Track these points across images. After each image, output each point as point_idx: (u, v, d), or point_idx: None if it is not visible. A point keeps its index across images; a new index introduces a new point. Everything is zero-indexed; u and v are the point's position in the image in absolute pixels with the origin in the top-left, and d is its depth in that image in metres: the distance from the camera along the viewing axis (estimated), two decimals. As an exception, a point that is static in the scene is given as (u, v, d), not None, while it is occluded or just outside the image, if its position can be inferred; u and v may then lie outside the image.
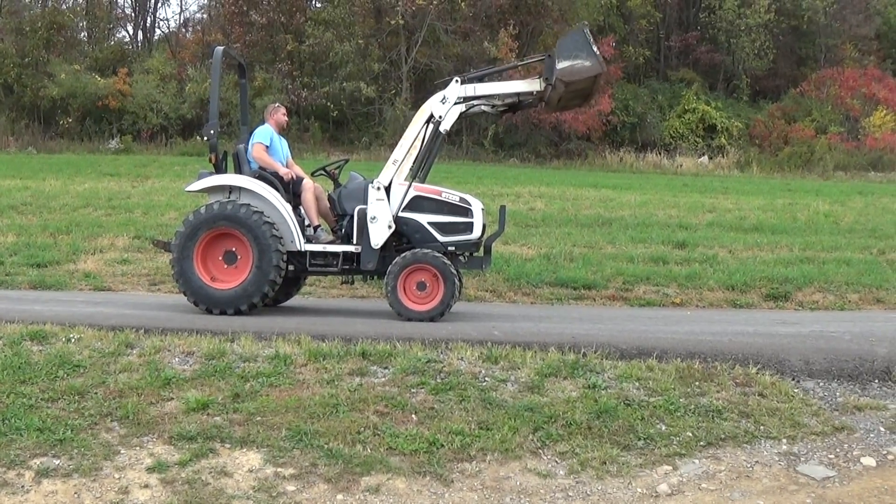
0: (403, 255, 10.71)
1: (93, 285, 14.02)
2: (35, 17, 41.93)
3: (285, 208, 11.01)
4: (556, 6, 41.69)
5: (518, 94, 11.08)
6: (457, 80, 10.95)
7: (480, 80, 11.15)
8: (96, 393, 8.01)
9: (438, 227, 10.97)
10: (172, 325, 9.76)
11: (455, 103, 10.94)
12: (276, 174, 11.31)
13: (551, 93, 10.85)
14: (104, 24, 48.91)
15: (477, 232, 11.02)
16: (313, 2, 45.27)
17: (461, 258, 11.24)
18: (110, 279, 14.38)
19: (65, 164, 29.75)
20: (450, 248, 10.95)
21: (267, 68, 40.76)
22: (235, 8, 41.72)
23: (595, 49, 10.57)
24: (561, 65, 10.48)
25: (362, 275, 11.43)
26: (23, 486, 6.75)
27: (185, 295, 10.98)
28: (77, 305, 11.59)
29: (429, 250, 10.73)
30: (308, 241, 11.10)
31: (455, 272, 10.68)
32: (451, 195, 11.09)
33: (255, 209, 10.78)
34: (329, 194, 11.58)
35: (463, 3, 40.14)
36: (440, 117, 10.92)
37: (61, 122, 39.74)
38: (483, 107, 11.19)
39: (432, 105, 11.01)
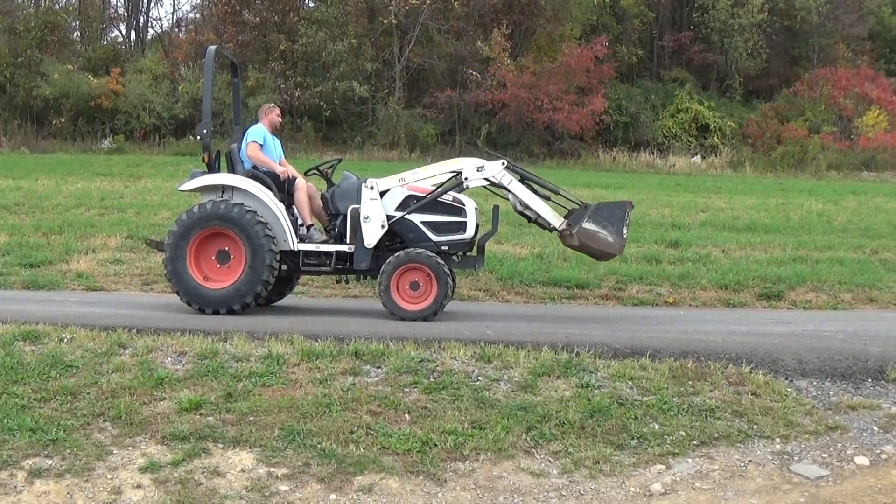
0: (397, 254, 10.71)
1: (85, 285, 13.99)
2: (28, 17, 41.86)
3: (278, 207, 11.00)
4: (550, 6, 41.63)
5: (539, 213, 11.06)
6: (503, 163, 11.01)
7: (522, 178, 11.16)
8: (89, 393, 8.00)
9: (432, 226, 10.99)
10: (165, 324, 9.75)
11: (486, 178, 11.02)
12: (270, 173, 11.31)
13: (567, 236, 10.95)
14: (97, 24, 48.77)
15: (470, 231, 11.03)
16: (306, 1, 45.24)
17: (454, 258, 11.25)
18: (103, 279, 14.36)
19: (57, 163, 29.68)
20: (443, 248, 10.96)
21: (260, 68, 40.71)
22: (228, 7, 41.69)
23: (625, 232, 10.61)
24: (587, 224, 10.55)
25: (355, 274, 11.43)
26: (15, 487, 6.73)
27: (178, 294, 10.97)
28: (69, 305, 11.57)
29: (422, 250, 10.73)
30: (301, 240, 11.09)
31: (448, 272, 10.68)
32: (445, 194, 11.10)
33: (249, 209, 10.77)
34: (322, 193, 11.58)
35: (456, 3, 40.10)
36: (467, 178, 11.01)
37: (54, 122, 39.68)
38: (509, 196, 11.16)
39: (467, 165, 11.10)
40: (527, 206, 11.05)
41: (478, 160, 11.12)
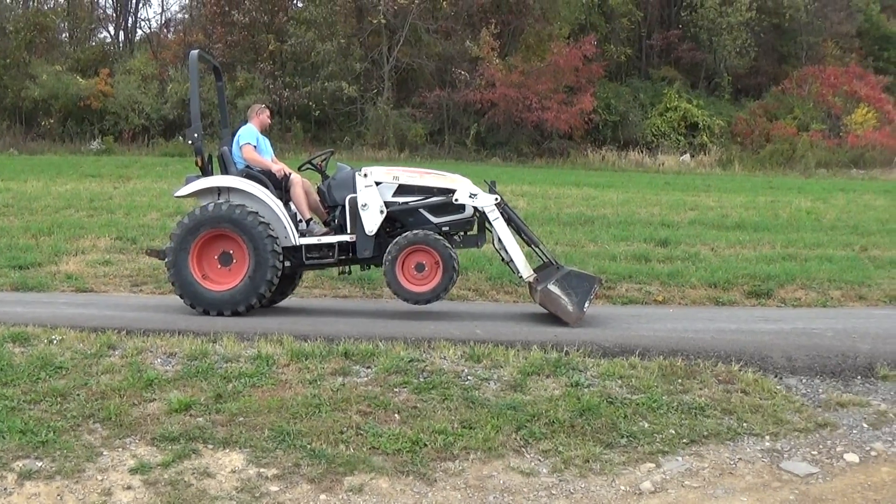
0: (414, 231, 10.74)
1: (75, 286, 13.96)
2: (17, 18, 41.74)
3: (277, 205, 11.01)
4: (538, 5, 41.69)
5: (512, 258, 11.06)
6: (497, 199, 10.97)
7: (508, 219, 11.10)
8: (78, 394, 7.98)
9: (430, 208, 11.03)
10: (154, 325, 9.72)
11: (474, 206, 11.05)
12: (265, 171, 11.32)
13: (532, 289, 11.01)
14: (86, 25, 48.72)
15: (469, 210, 11.07)
16: (295, 1, 45.18)
17: (456, 238, 11.28)
18: (92, 280, 14.32)
19: (46, 165, 29.62)
20: (444, 229, 11.00)
21: (249, 68, 40.67)
22: (217, 8, 41.63)
23: (586, 305, 10.52)
24: (552, 287, 10.49)
25: (360, 264, 11.42)
26: (5, 489, 6.71)
27: (173, 285, 10.97)
28: (59, 307, 11.54)
29: (439, 237, 10.72)
30: (302, 235, 11.10)
31: (456, 266, 10.66)
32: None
33: (262, 220, 10.73)
34: (318, 187, 11.59)
35: (444, 3, 40.17)
36: (457, 199, 11.02)
37: (43, 124, 39.60)
38: (489, 228, 11.17)
39: (461, 187, 11.07)
40: (503, 248, 11.07)
41: (473, 187, 11.11)
